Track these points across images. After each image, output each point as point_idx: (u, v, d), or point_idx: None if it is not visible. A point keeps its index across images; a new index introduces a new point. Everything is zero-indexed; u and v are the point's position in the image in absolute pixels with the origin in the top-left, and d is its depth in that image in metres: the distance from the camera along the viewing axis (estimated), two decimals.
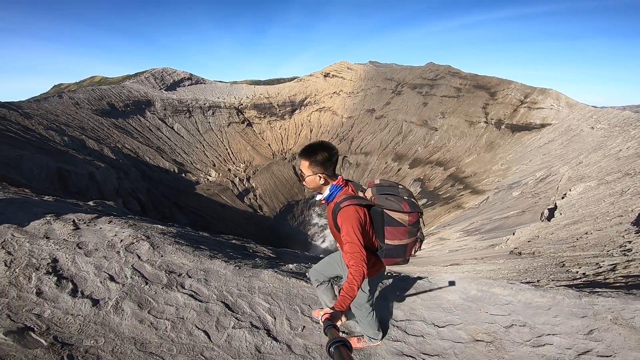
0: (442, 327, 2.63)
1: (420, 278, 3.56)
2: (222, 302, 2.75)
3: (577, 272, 6.80)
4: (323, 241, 58.69)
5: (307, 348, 2.35)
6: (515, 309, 2.81)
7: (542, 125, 45.78)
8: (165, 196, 43.41)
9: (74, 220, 3.61)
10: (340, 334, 1.44)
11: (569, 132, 39.95)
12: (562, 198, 21.78)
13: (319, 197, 2.10)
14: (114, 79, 79.88)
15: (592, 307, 2.77)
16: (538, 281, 6.39)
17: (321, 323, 1.51)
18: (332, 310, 1.55)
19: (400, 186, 2.10)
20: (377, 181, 2.17)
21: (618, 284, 4.72)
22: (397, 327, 2.66)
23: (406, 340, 2.54)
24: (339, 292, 1.85)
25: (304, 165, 2.00)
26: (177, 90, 72.64)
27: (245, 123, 76.81)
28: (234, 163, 66.23)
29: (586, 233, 12.30)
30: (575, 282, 5.64)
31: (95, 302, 2.49)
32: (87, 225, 3.59)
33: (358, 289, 1.68)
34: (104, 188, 25.31)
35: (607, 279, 5.28)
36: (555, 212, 19.21)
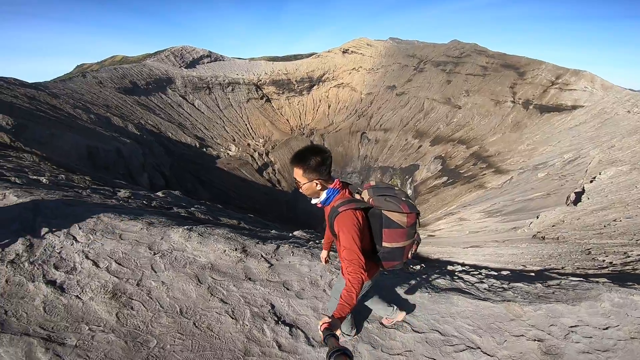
0: (604, 329, 2.94)
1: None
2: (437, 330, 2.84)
3: (603, 260, 6.79)
4: None
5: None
6: None
7: (574, 107, 43.61)
8: (188, 171, 44.62)
9: (262, 255, 3.57)
10: (340, 342, 1.41)
11: (602, 115, 37.97)
12: (591, 182, 21.09)
13: (314, 202, 2.04)
14: (134, 57, 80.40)
15: None
16: (562, 268, 6.45)
17: (320, 332, 1.48)
18: (331, 319, 1.51)
19: (396, 188, 2.08)
20: (372, 183, 2.15)
21: None
22: (575, 332, 2.92)
23: (584, 339, 2.85)
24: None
25: (298, 174, 1.92)
26: (196, 67, 72.73)
27: (264, 99, 76.58)
28: (253, 138, 66.79)
29: (615, 220, 12.03)
30: (602, 271, 5.67)
31: None
32: (277, 260, 3.54)
33: (357, 297, 1.65)
34: (131, 163, 26.20)
35: (636, 269, 5.29)
36: (583, 196, 18.70)
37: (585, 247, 8.55)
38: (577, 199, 18.86)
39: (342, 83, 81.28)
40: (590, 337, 2.84)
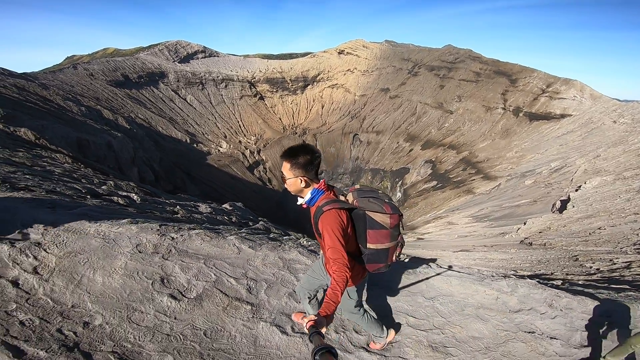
0: None
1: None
2: None
3: (590, 267, 6.96)
4: None
5: None
6: None
7: (562, 116, 44.62)
8: (177, 166, 44.05)
9: None
10: (326, 340, 1.42)
11: (589, 125, 38.93)
12: (576, 190, 21.61)
13: (300, 202, 2.07)
14: (126, 50, 78.97)
15: None
16: (552, 274, 6.58)
17: (306, 330, 1.47)
18: (316, 317, 1.51)
19: (379, 191, 2.11)
20: (357, 186, 2.17)
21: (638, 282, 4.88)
22: None
23: None
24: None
25: (285, 168, 1.96)
26: (190, 62, 71.88)
27: (258, 97, 76.16)
28: (244, 135, 66.34)
29: (599, 228, 12.36)
30: (591, 277, 5.81)
31: None
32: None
33: (342, 295, 1.66)
34: (121, 157, 25.76)
35: (624, 276, 5.44)
36: (568, 204, 19.16)
37: (572, 253, 8.75)
38: (563, 207, 19.31)
39: (337, 84, 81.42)
40: None
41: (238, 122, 68.41)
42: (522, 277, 4.05)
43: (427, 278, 3.29)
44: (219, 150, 57.98)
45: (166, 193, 10.80)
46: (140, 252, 3.02)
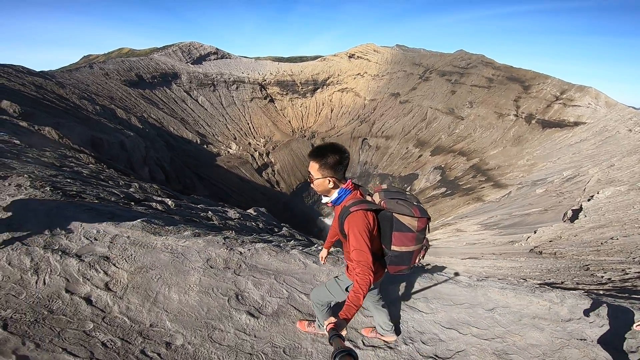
0: None
1: None
2: None
3: (602, 276, 6.84)
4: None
5: None
6: None
7: (576, 124, 43.87)
8: (188, 166, 44.56)
9: None
10: (346, 343, 1.41)
11: (603, 133, 38.21)
12: (589, 200, 21.22)
13: (325, 200, 2.04)
14: (141, 51, 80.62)
15: None
16: (562, 283, 6.49)
17: (326, 333, 1.48)
18: (336, 319, 1.51)
19: (407, 192, 2.07)
20: (384, 186, 2.14)
21: None
22: None
23: None
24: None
25: (314, 168, 1.92)
26: (202, 64, 72.93)
27: (268, 99, 76.73)
28: (254, 137, 66.83)
29: (612, 238, 12.12)
30: (602, 286, 5.72)
31: None
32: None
33: (364, 298, 1.64)
34: (133, 156, 26.19)
35: (636, 285, 5.35)
36: (580, 213, 18.81)
37: (583, 263, 8.60)
38: (574, 216, 18.96)
39: (347, 88, 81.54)
40: None
41: (248, 124, 68.98)
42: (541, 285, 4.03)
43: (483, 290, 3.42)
44: (228, 152, 58.49)
45: (187, 195, 10.99)
46: (211, 267, 3.04)
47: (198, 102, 64.15)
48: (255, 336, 2.45)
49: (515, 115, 52.12)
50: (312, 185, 2.00)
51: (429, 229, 2.02)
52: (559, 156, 38.15)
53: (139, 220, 3.62)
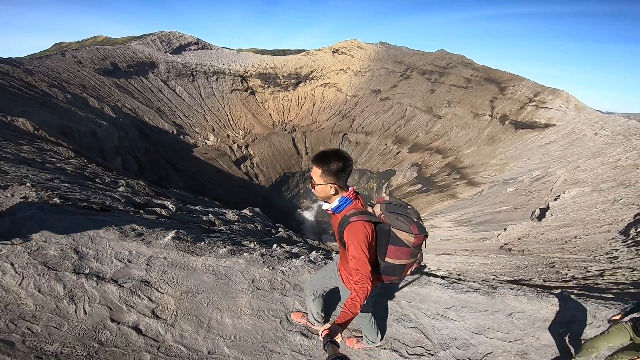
0: None
1: None
2: None
3: (566, 274, 7.17)
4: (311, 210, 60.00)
5: None
6: None
7: (546, 125, 45.80)
8: (163, 157, 43.23)
9: None
10: (340, 350, 1.44)
11: (571, 135, 40.11)
12: (555, 200, 22.27)
13: (325, 207, 2.04)
14: (118, 39, 76.99)
15: None
16: (530, 280, 6.75)
17: (321, 339, 1.50)
18: (332, 326, 1.53)
19: (409, 207, 2.09)
20: (387, 198, 2.16)
21: (608, 289, 5.06)
22: None
23: None
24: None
25: (316, 173, 1.92)
26: (182, 54, 70.57)
27: (249, 91, 75.39)
28: (233, 130, 65.60)
29: (575, 237, 12.76)
30: (567, 284, 5.99)
31: None
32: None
33: (361, 306, 1.67)
34: (105, 146, 25.17)
35: (597, 283, 5.63)
36: (547, 212, 19.71)
37: (549, 260, 9.00)
38: (542, 215, 19.87)
39: (329, 83, 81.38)
40: None
41: (227, 115, 67.58)
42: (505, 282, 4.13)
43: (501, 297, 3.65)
44: (205, 143, 57.19)
45: (165, 188, 10.61)
46: (258, 288, 3.01)
47: (175, 92, 62.18)
48: (310, 355, 2.48)
49: (490, 116, 53.80)
50: (313, 190, 2.00)
51: (425, 245, 2.04)
52: (529, 157, 39.77)
53: (169, 237, 3.46)
